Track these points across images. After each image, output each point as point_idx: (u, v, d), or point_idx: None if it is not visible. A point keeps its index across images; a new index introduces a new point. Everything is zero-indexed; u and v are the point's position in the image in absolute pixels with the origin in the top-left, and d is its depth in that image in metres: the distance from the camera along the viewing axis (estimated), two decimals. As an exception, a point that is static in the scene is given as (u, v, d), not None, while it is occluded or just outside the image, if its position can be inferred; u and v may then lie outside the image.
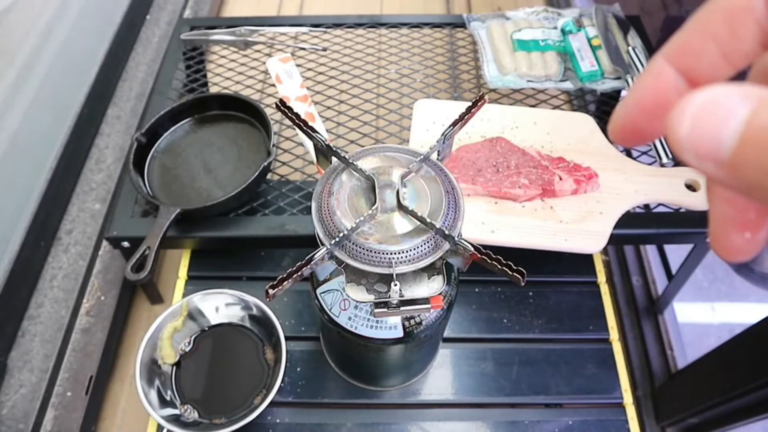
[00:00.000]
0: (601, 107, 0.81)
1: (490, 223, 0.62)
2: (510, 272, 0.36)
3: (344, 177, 0.41)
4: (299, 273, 0.36)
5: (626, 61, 0.79)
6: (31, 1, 0.85)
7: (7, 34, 0.81)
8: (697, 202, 0.64)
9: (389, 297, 0.38)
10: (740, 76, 0.18)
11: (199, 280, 0.71)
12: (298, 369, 0.64)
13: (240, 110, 0.74)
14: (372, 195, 0.40)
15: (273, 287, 0.35)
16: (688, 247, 0.71)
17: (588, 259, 0.73)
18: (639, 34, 0.84)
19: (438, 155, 0.43)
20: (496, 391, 0.64)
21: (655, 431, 0.79)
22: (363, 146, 0.57)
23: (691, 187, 0.65)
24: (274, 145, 0.68)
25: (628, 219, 0.63)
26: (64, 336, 0.77)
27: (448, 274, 0.45)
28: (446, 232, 0.37)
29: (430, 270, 0.39)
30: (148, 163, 0.71)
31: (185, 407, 0.58)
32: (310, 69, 0.84)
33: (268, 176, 0.70)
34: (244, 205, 0.67)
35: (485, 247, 0.37)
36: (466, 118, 0.42)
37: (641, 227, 0.65)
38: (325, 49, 0.86)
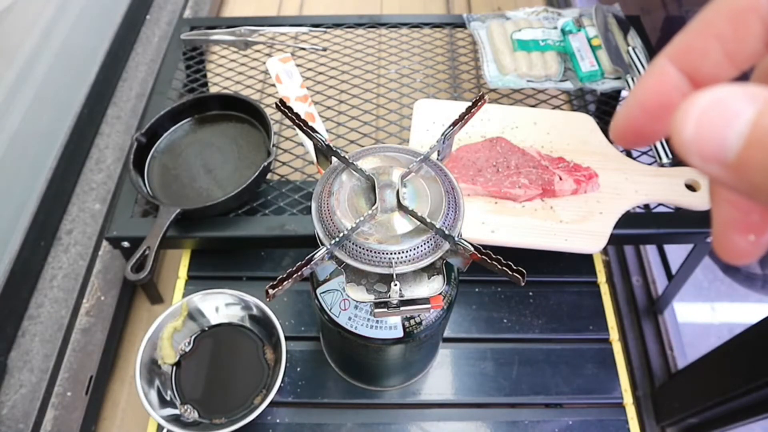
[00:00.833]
0: (601, 107, 0.81)
1: (490, 223, 0.62)
2: (510, 272, 0.36)
3: (344, 177, 0.41)
4: (299, 273, 0.36)
5: (626, 61, 0.79)
6: (31, 1, 0.85)
7: (7, 34, 0.81)
8: (697, 202, 0.64)
9: (389, 297, 0.38)
10: (743, 78, 0.18)
11: (199, 280, 0.71)
12: (298, 369, 0.64)
13: (240, 110, 0.74)
14: (372, 195, 0.40)
15: (273, 287, 0.35)
16: (688, 247, 0.71)
17: (588, 259, 0.73)
18: (639, 34, 0.84)
19: (438, 155, 0.43)
20: (496, 391, 0.64)
21: (655, 431, 0.79)
22: (363, 146, 0.57)
23: (691, 187, 0.66)
24: (274, 145, 0.68)
25: (628, 219, 0.63)
26: (64, 336, 0.77)
27: (448, 274, 0.45)
28: (446, 232, 0.37)
29: (430, 270, 0.39)
30: (148, 163, 0.71)
31: (185, 407, 0.58)
32: (310, 69, 0.84)
33: (268, 176, 0.70)
34: (244, 205, 0.67)
35: (485, 247, 0.37)
36: (466, 118, 0.42)
37: (641, 227, 0.65)
38: (325, 49, 0.86)
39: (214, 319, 0.63)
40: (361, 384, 0.63)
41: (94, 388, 0.79)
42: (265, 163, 0.65)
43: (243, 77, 0.84)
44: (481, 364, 0.65)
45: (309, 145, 0.71)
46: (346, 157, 0.40)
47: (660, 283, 0.92)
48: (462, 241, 0.37)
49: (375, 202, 0.39)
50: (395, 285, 0.37)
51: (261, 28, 0.87)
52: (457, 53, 0.88)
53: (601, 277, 0.72)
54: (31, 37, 0.85)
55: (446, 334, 0.64)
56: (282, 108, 0.41)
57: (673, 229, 0.65)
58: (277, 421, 0.61)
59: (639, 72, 0.76)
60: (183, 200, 0.67)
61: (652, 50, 0.82)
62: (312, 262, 0.37)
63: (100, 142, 0.95)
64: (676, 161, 0.69)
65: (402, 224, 0.38)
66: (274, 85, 0.80)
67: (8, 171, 0.77)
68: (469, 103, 0.42)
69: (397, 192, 0.39)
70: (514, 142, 0.68)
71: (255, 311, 0.61)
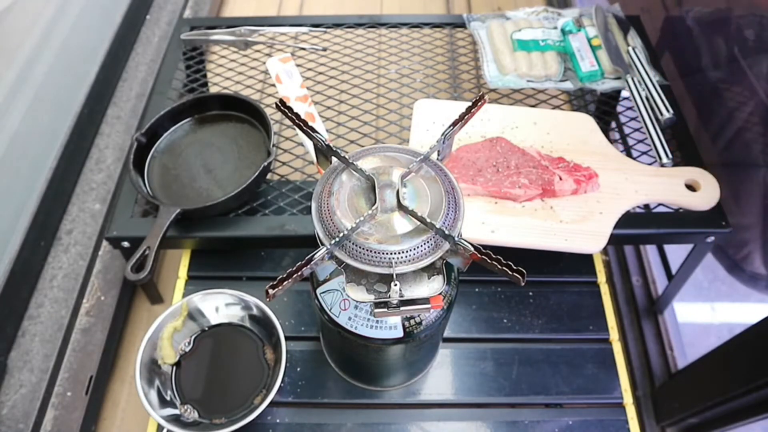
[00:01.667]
0: (601, 107, 0.81)
1: (490, 223, 0.62)
2: (510, 272, 0.36)
3: (344, 177, 0.41)
4: (299, 273, 0.36)
5: (626, 61, 0.79)
6: (31, 1, 0.85)
7: (7, 34, 0.81)
8: (697, 202, 0.64)
9: (389, 297, 0.38)
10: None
11: (199, 280, 0.71)
12: (298, 369, 0.64)
13: (240, 110, 0.74)
14: (372, 195, 0.40)
15: (273, 287, 0.35)
16: (688, 247, 0.71)
17: (588, 259, 0.73)
18: (639, 34, 0.84)
19: (438, 155, 0.43)
20: (496, 391, 0.64)
21: (655, 431, 0.79)
22: (363, 146, 0.57)
23: (691, 187, 0.66)
24: (274, 145, 0.68)
25: (628, 219, 0.63)
26: (64, 336, 0.77)
27: (448, 274, 0.45)
28: (446, 232, 0.37)
29: (430, 270, 0.39)
30: (148, 163, 0.71)
31: (185, 407, 0.58)
32: (310, 69, 0.84)
33: (268, 176, 0.70)
34: (244, 205, 0.67)
35: (485, 247, 0.37)
36: (466, 118, 0.42)
37: (641, 227, 0.65)
38: (325, 49, 0.86)
39: (214, 319, 0.63)
40: (361, 384, 0.63)
41: (94, 388, 0.79)
42: (265, 163, 0.65)
43: (243, 77, 0.84)
44: (481, 364, 0.65)
45: (309, 145, 0.71)
46: (346, 157, 0.40)
47: (660, 283, 0.92)
48: (462, 241, 0.37)
49: (375, 202, 0.39)
50: (395, 285, 0.37)
51: (261, 28, 0.87)
52: (457, 53, 0.88)
53: (601, 277, 0.72)
54: (31, 37, 0.85)
55: (446, 334, 0.64)
56: (282, 108, 0.41)
57: (673, 229, 0.65)
58: (277, 421, 0.61)
59: (639, 72, 0.76)
60: (183, 200, 0.67)
61: (652, 50, 0.82)
62: (312, 262, 0.37)
63: (100, 142, 0.95)
64: (676, 161, 0.69)
65: (402, 224, 0.38)
66: (274, 85, 0.80)
67: (8, 171, 0.77)
68: (469, 103, 0.42)
69: (397, 192, 0.39)
70: (514, 142, 0.68)
71: (255, 311, 0.61)
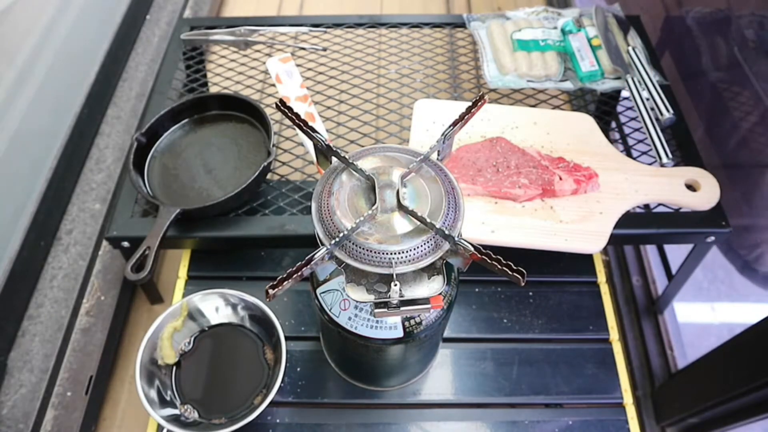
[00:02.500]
0: (601, 107, 0.82)
1: (490, 223, 0.62)
2: (510, 272, 0.36)
3: (344, 177, 0.41)
4: (299, 273, 0.36)
5: (626, 61, 0.79)
6: (31, 1, 0.85)
7: (7, 34, 0.81)
8: (697, 202, 0.64)
9: (389, 297, 0.38)
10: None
11: (199, 280, 0.71)
12: (298, 369, 0.64)
13: (240, 110, 0.74)
14: (372, 195, 0.40)
15: (273, 287, 0.35)
16: (688, 247, 0.71)
17: (588, 259, 0.73)
18: (639, 34, 0.84)
19: (438, 155, 0.43)
20: (496, 391, 0.64)
21: (655, 431, 0.79)
22: (363, 146, 0.57)
23: (691, 187, 0.66)
24: (274, 145, 0.68)
25: (628, 219, 0.63)
26: (64, 336, 0.77)
27: (448, 274, 0.45)
28: (446, 232, 0.37)
29: (430, 270, 0.39)
30: (148, 163, 0.71)
31: (185, 407, 0.58)
32: (310, 69, 0.84)
33: (268, 176, 0.70)
34: (244, 205, 0.67)
35: (485, 247, 0.37)
36: (466, 118, 0.42)
37: (641, 227, 0.65)
38: (325, 49, 0.86)
39: (214, 319, 0.63)
40: (361, 384, 0.63)
41: (94, 388, 0.79)
42: (265, 163, 0.65)
43: (243, 77, 0.84)
44: (481, 364, 0.65)
45: (309, 145, 0.71)
46: (346, 157, 0.40)
47: (660, 283, 0.92)
48: (462, 241, 0.37)
49: (375, 202, 0.39)
50: (395, 285, 0.37)
51: (261, 28, 0.87)
52: (457, 53, 0.88)
53: (601, 277, 0.72)
54: (31, 37, 0.85)
55: (446, 334, 0.64)
56: (282, 108, 0.41)
57: (673, 229, 0.65)
58: (277, 421, 0.61)
59: (639, 72, 0.76)
60: (183, 200, 0.67)
61: (652, 50, 0.82)
62: (312, 262, 0.37)
63: (100, 142, 0.95)
64: (676, 161, 0.69)
65: (402, 224, 0.38)
66: (274, 85, 0.80)
67: (8, 171, 0.77)
68: (469, 103, 0.42)
69: (397, 192, 0.39)
70: (514, 142, 0.68)
71: (255, 311, 0.61)
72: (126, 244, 0.65)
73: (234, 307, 0.63)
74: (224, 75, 0.84)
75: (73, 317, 0.80)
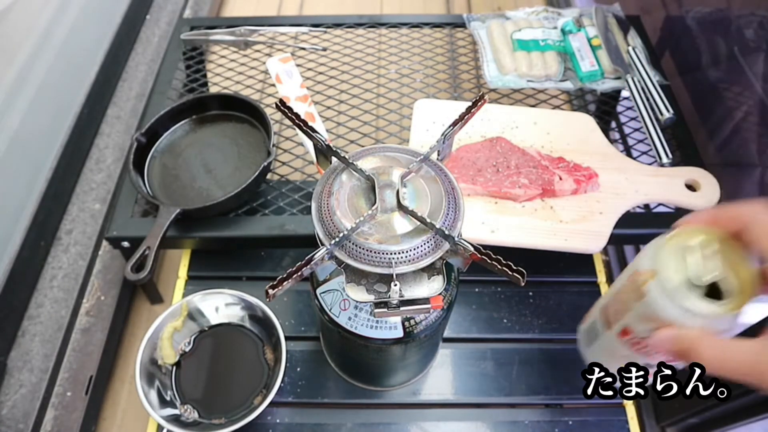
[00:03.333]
0: (601, 107, 0.81)
1: (490, 223, 0.62)
2: (510, 272, 0.36)
3: (344, 177, 0.41)
4: (299, 273, 0.36)
5: (626, 61, 0.79)
6: (31, 1, 0.85)
7: (7, 34, 0.81)
8: (697, 202, 0.64)
9: (389, 297, 0.38)
10: None
11: (199, 280, 0.71)
12: (298, 369, 0.64)
13: (240, 110, 0.74)
14: (372, 195, 0.40)
15: (273, 287, 0.35)
16: (688, 247, 0.71)
17: (588, 259, 0.73)
18: (639, 34, 0.84)
19: (438, 155, 0.43)
20: (496, 391, 0.64)
21: (655, 431, 0.79)
22: (363, 146, 0.57)
23: (691, 187, 0.66)
24: (274, 145, 0.68)
25: (628, 219, 0.63)
26: (64, 336, 0.77)
27: (448, 274, 0.45)
28: (446, 232, 0.37)
29: (430, 270, 0.39)
30: (148, 163, 0.71)
31: (185, 407, 0.58)
32: (310, 69, 0.84)
33: (268, 176, 0.70)
34: (244, 205, 0.67)
35: (485, 247, 0.37)
36: (466, 118, 0.42)
37: (641, 227, 0.65)
38: (325, 49, 0.86)
39: (214, 319, 0.63)
40: (361, 384, 0.63)
41: (94, 388, 0.79)
42: (265, 163, 0.65)
43: (243, 77, 0.84)
44: (481, 364, 0.65)
45: (309, 145, 0.71)
46: (346, 157, 0.40)
47: (660, 283, 0.92)
48: (462, 241, 0.37)
49: (375, 202, 0.39)
50: (395, 285, 0.37)
51: (261, 28, 0.87)
52: (457, 53, 0.88)
53: (601, 277, 0.72)
54: (31, 37, 0.85)
55: (446, 334, 0.64)
56: (282, 108, 0.41)
57: (673, 229, 0.65)
58: (277, 421, 0.61)
59: (639, 72, 0.76)
60: (183, 200, 0.67)
61: (652, 50, 0.82)
62: (312, 262, 0.37)
63: (100, 142, 0.95)
64: (676, 161, 0.69)
65: (402, 224, 0.38)
66: (274, 85, 0.80)
67: (8, 171, 0.77)
68: (469, 103, 0.42)
69: (397, 192, 0.39)
70: (514, 142, 0.68)
71: (255, 311, 0.61)
72: (126, 244, 0.65)
73: (234, 307, 0.63)
74: (224, 75, 0.84)
75: (73, 317, 0.80)
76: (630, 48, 0.79)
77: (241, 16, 0.93)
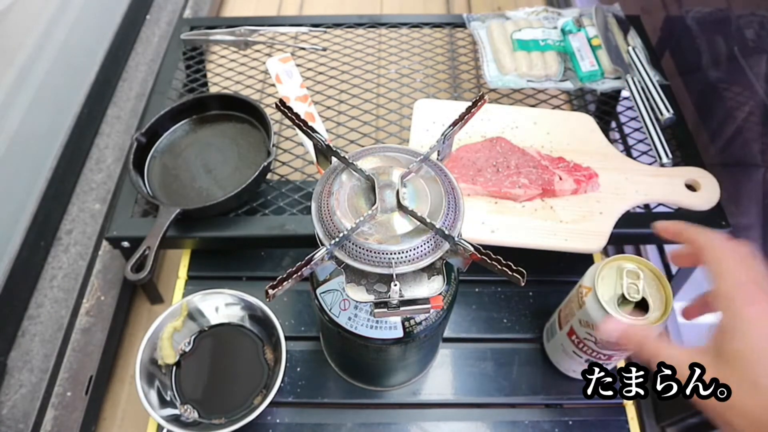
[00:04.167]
0: (601, 107, 0.81)
1: (490, 223, 0.62)
2: (510, 272, 0.36)
3: (344, 177, 0.41)
4: (299, 273, 0.36)
5: (626, 61, 0.79)
6: (31, 1, 0.85)
7: (7, 34, 0.81)
8: (697, 202, 0.64)
9: (389, 297, 0.38)
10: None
11: (199, 280, 0.71)
12: (298, 369, 0.64)
13: (240, 110, 0.74)
14: (372, 195, 0.40)
15: (273, 287, 0.35)
16: (688, 247, 0.71)
17: (588, 259, 0.73)
18: (639, 34, 0.84)
19: (438, 155, 0.43)
20: (496, 391, 0.64)
21: (655, 431, 0.79)
22: (363, 146, 0.57)
23: (691, 187, 0.66)
24: (274, 145, 0.68)
25: (628, 219, 0.63)
26: (64, 336, 0.77)
27: (448, 274, 0.45)
28: (446, 232, 0.37)
29: (430, 270, 0.39)
30: (148, 163, 0.71)
31: (185, 407, 0.58)
32: (310, 69, 0.84)
33: (268, 176, 0.70)
34: (244, 205, 0.67)
35: (485, 247, 0.37)
36: (466, 118, 0.42)
37: (641, 227, 0.65)
38: (325, 49, 0.86)
39: (214, 319, 0.63)
40: (361, 384, 0.63)
41: (94, 388, 0.79)
42: (265, 163, 0.65)
43: (243, 77, 0.84)
44: (481, 364, 0.65)
45: (309, 145, 0.71)
46: (346, 157, 0.40)
47: (660, 283, 0.92)
48: (462, 241, 0.37)
49: (375, 202, 0.39)
50: (395, 285, 0.37)
51: (261, 28, 0.87)
52: (457, 53, 0.88)
53: (601, 277, 0.72)
54: (31, 37, 0.85)
55: (446, 334, 0.64)
56: (282, 108, 0.41)
57: (673, 229, 0.65)
58: (277, 421, 0.61)
59: (639, 72, 0.76)
60: (183, 200, 0.67)
61: (652, 50, 0.82)
62: (312, 262, 0.37)
63: (100, 142, 0.95)
64: (676, 161, 0.69)
65: (402, 224, 0.38)
66: (274, 85, 0.80)
67: (8, 171, 0.77)
68: (469, 103, 0.42)
69: (397, 192, 0.39)
70: (514, 142, 0.68)
71: (255, 311, 0.61)
72: (126, 244, 0.65)
73: (234, 307, 0.63)
74: (224, 75, 0.84)
75: (73, 317, 0.80)
76: (630, 48, 0.80)
77: (241, 16, 0.93)
